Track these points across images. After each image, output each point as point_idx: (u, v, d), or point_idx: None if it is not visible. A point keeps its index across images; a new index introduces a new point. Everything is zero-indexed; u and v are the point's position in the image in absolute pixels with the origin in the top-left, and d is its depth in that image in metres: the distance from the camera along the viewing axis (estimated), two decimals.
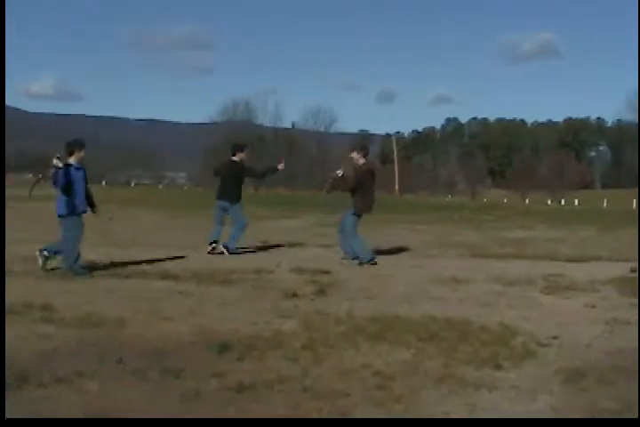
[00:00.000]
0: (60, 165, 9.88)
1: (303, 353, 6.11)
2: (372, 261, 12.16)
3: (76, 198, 10.14)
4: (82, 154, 10.31)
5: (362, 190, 12.36)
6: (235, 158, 13.67)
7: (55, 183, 9.96)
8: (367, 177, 12.51)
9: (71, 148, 10.26)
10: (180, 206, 30.90)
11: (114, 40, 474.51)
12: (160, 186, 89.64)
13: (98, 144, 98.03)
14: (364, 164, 12.61)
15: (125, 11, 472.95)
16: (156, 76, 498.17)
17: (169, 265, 11.13)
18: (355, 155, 12.63)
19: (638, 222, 20.75)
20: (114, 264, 11.14)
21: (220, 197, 13.49)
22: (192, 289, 9.26)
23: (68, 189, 10.03)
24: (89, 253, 11.36)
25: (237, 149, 13.87)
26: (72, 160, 10.15)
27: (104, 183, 78.67)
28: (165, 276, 10.19)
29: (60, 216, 10.17)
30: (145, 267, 10.82)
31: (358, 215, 12.44)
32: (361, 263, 12.11)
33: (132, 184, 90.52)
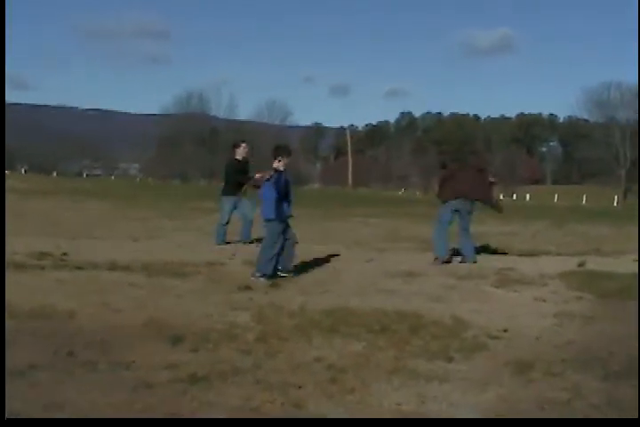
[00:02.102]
0: (282, 168, 10.14)
1: (256, 346, 6.12)
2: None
3: (284, 203, 10.23)
4: (287, 161, 10.33)
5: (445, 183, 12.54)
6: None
7: (275, 188, 10.07)
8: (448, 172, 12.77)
9: (275, 154, 10.32)
10: (132, 197, 30.68)
11: (63, 27, 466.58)
12: (112, 177, 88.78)
13: (48, 134, 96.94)
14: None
15: None
16: (108, 64, 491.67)
17: (120, 257, 11.02)
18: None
19: (638, 221, 21.13)
20: (65, 255, 11.01)
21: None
22: (143, 281, 9.21)
23: (282, 194, 10.16)
24: (40, 245, 11.25)
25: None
26: (276, 165, 10.24)
27: (55, 174, 77.79)
28: (116, 267, 10.10)
29: (267, 220, 10.19)
30: (96, 258, 10.70)
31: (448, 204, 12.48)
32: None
33: (84, 175, 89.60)
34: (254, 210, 13.65)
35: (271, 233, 10.18)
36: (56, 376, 5.11)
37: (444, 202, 12.36)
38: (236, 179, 13.73)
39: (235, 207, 13.85)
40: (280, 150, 10.39)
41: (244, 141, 14.38)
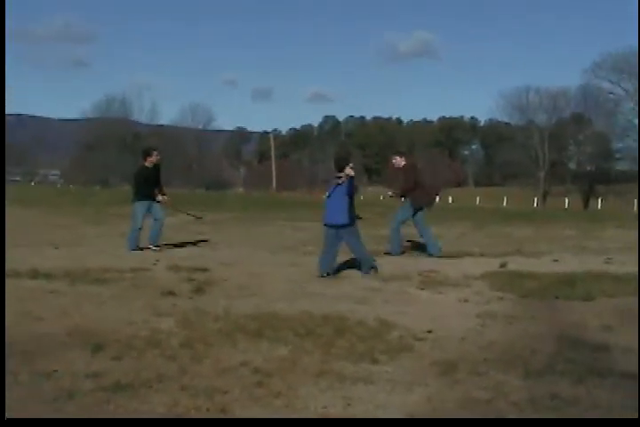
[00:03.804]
0: (353, 174, 10.85)
1: (181, 351, 6.07)
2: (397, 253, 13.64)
3: (354, 208, 10.87)
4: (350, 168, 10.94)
5: (418, 186, 13.52)
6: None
7: (348, 193, 10.75)
8: (416, 173, 13.83)
9: (341, 164, 10.94)
10: (53, 204, 30.13)
11: None
12: (32, 183, 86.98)
13: None
14: (406, 164, 13.79)
15: None
16: (26, 68, 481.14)
17: (41, 264, 10.81)
18: (397, 159, 13.82)
19: (638, 223, 21.52)
20: None
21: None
22: (65, 288, 9.05)
23: (352, 199, 10.88)
24: None
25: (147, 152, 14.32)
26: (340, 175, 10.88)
27: None
28: (37, 275, 9.91)
29: (343, 226, 10.79)
30: (15, 266, 10.47)
31: (419, 209, 13.56)
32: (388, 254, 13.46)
33: None
34: (164, 214, 14.01)
35: (354, 236, 10.90)
36: None
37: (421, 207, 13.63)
38: (148, 186, 13.94)
39: (148, 211, 13.94)
40: (346, 159, 11.21)
41: (155, 150, 14.52)
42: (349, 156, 11.85)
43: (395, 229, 13.64)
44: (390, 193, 14.60)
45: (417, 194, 13.49)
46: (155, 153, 14.22)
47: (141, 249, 13.60)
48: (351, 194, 10.80)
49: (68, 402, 4.78)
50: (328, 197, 10.96)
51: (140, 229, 13.83)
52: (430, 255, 13.44)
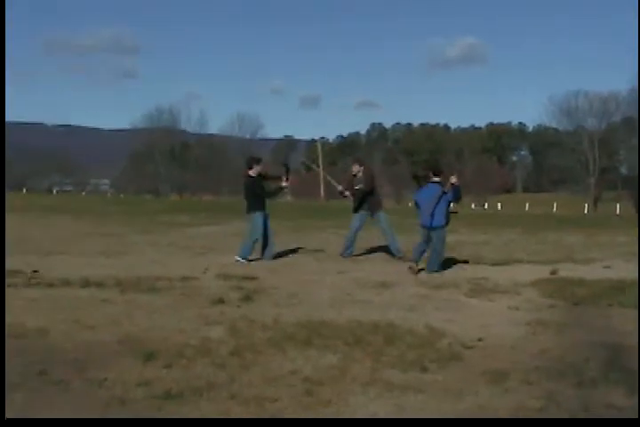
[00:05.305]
0: (458, 183, 12.19)
1: (231, 360, 6.09)
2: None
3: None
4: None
5: (375, 192, 14.44)
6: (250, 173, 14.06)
7: (455, 198, 12.20)
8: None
9: (437, 168, 12.61)
10: (104, 213, 30.48)
11: (30, 42, 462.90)
12: (83, 193, 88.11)
13: (16, 150, 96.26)
14: (367, 171, 14.57)
15: (45, 9, 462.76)
16: (77, 80, 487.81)
17: (93, 273, 10.94)
18: (356, 167, 14.50)
19: (638, 224, 21.32)
20: (36, 273, 10.91)
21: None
22: (116, 297, 9.13)
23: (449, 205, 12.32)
24: (10, 263, 11.12)
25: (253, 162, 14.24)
26: (438, 179, 12.33)
27: (25, 191, 77.13)
28: (88, 284, 10.02)
29: (439, 227, 12.10)
30: (68, 275, 10.62)
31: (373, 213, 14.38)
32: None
33: (54, 191, 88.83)
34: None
35: (442, 237, 12.23)
36: (28, 396, 5.04)
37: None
38: (262, 196, 13.90)
39: (265, 222, 13.75)
40: (438, 164, 12.85)
41: (260, 159, 14.56)
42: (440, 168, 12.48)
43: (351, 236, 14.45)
44: (345, 193, 14.63)
45: (376, 200, 14.49)
46: (261, 163, 14.23)
47: (250, 261, 13.41)
48: (456, 200, 12.32)
49: (120, 410, 4.81)
50: (437, 203, 11.95)
51: (256, 240, 13.65)
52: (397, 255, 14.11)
